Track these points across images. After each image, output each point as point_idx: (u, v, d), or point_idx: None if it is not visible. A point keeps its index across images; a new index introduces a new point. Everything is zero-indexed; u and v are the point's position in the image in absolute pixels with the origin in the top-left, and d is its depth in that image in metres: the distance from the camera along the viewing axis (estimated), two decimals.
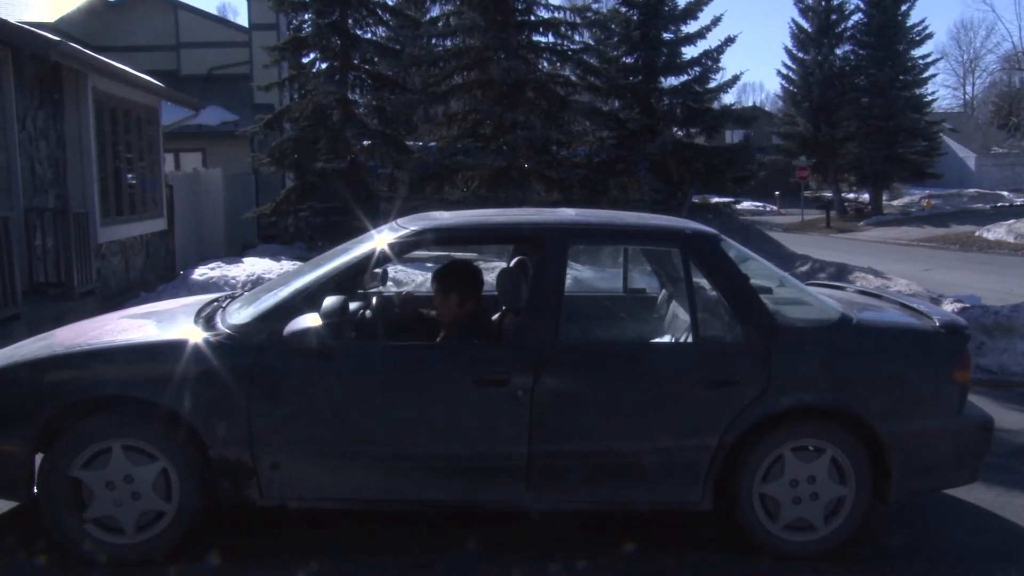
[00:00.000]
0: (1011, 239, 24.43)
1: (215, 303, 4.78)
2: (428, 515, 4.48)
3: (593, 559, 4.14)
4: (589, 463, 4.12)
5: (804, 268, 15.24)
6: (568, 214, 4.83)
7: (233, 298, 4.82)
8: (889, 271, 14.71)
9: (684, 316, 4.54)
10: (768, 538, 4.21)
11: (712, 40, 59.00)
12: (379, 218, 13.27)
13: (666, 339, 4.79)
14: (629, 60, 19.28)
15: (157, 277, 13.29)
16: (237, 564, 4.07)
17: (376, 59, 17.65)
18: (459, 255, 13.07)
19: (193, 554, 4.06)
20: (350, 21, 16.83)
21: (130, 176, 12.88)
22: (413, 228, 4.39)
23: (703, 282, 4.50)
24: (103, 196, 11.37)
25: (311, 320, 3.90)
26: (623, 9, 19.38)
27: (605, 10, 20.06)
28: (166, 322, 4.53)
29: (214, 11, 43.40)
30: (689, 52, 19.67)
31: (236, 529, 4.37)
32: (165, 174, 14.75)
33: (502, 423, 4.06)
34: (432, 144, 17.71)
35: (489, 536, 4.29)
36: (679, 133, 19.40)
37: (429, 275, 11.25)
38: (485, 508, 4.27)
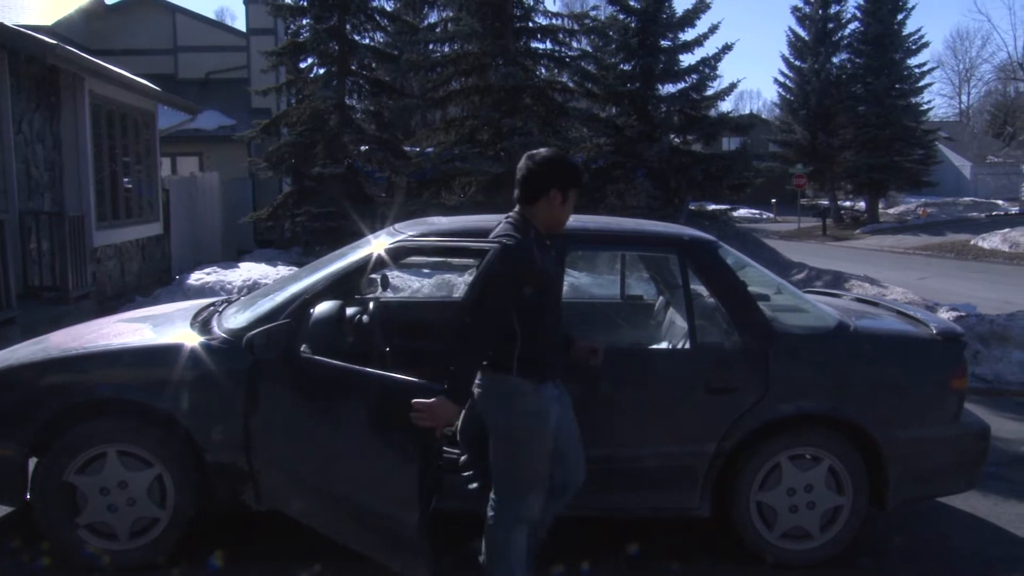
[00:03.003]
0: (1006, 248, 24.48)
1: (211, 307, 4.76)
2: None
3: (596, 564, 4.12)
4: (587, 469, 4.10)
5: (800, 276, 15.25)
6: None
7: (229, 303, 4.81)
8: (885, 279, 14.72)
9: (682, 323, 4.53)
10: (765, 546, 4.21)
11: (710, 48, 59.06)
12: (376, 223, 13.25)
13: (664, 346, 4.78)
14: (627, 67, 19.27)
15: (153, 281, 13.27)
16: (238, 567, 4.07)
17: (374, 64, 17.67)
18: (457, 260, 13.07)
19: (194, 556, 4.06)
20: (348, 26, 16.84)
21: (126, 180, 12.86)
22: (410, 233, 4.38)
23: (701, 289, 4.50)
24: (99, 200, 11.35)
25: (254, 331, 3.78)
26: (621, 16, 19.37)
27: (603, 17, 20.05)
28: (162, 326, 4.51)
29: (212, 15, 43.41)
30: (687, 59, 19.68)
31: (237, 531, 4.36)
32: (162, 178, 14.73)
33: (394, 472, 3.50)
34: (430, 149, 17.71)
35: None
36: (676, 140, 19.38)
37: (426, 281, 11.29)
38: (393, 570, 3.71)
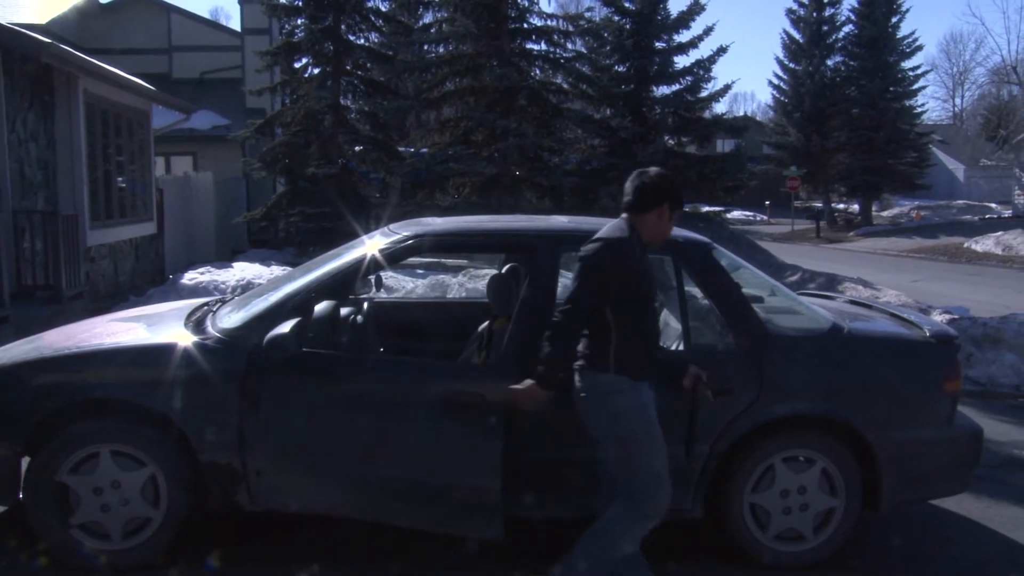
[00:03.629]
0: (999, 251, 24.55)
1: (205, 307, 4.75)
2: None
3: None
4: (582, 469, 4.09)
5: (794, 278, 15.27)
6: (561, 221, 4.82)
7: (224, 302, 4.80)
8: (878, 282, 14.75)
9: (675, 324, 4.53)
10: (758, 547, 4.21)
11: (704, 50, 59.25)
12: (370, 224, 13.28)
13: None
14: (621, 69, 19.30)
15: (146, 281, 13.24)
16: (235, 567, 4.07)
17: (369, 65, 17.65)
18: (451, 261, 13.09)
19: (192, 556, 4.05)
20: (343, 27, 16.82)
21: (120, 179, 12.83)
22: (406, 234, 4.38)
23: (695, 290, 4.50)
24: (93, 199, 11.33)
25: (285, 328, 3.82)
26: (616, 18, 19.40)
27: (598, 18, 20.08)
28: (156, 326, 4.51)
29: (206, 15, 43.34)
30: (681, 61, 19.86)
31: (235, 532, 4.35)
32: (155, 178, 14.70)
33: (473, 451, 3.83)
34: (424, 150, 17.71)
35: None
36: (671, 142, 19.40)
37: (420, 282, 11.29)
38: (462, 536, 4.04)
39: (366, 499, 3.97)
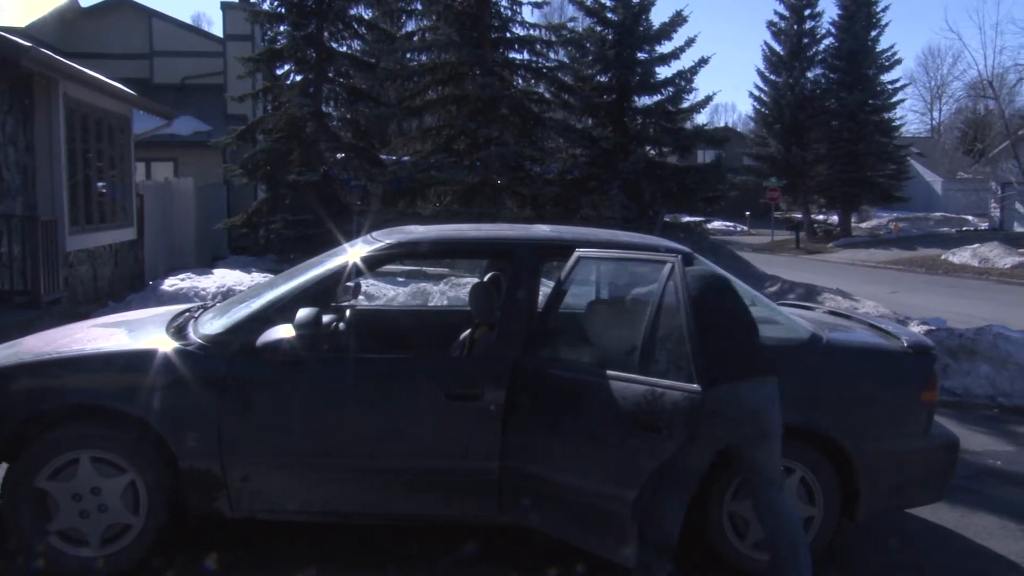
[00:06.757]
0: (975, 263, 24.79)
1: (187, 313, 4.76)
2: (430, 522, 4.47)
3: (591, 567, 4.12)
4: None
5: (773, 288, 15.35)
6: (542, 230, 4.84)
7: (205, 309, 4.80)
8: (857, 293, 14.85)
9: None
10: (737, 556, 4.23)
11: (686, 61, 59.32)
12: (351, 231, 13.26)
13: None
14: (603, 79, 19.40)
15: (126, 287, 13.16)
16: (230, 571, 4.06)
17: (351, 72, 17.67)
18: (432, 269, 13.10)
19: (190, 558, 4.06)
20: (326, 34, 16.84)
21: (100, 184, 12.76)
22: (388, 241, 4.40)
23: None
24: (72, 204, 11.25)
25: (284, 331, 3.88)
26: (598, 28, 19.52)
27: (581, 29, 20.19)
28: (137, 331, 4.49)
29: (189, 20, 43.14)
30: (663, 72, 19.88)
31: (228, 537, 4.34)
32: (136, 183, 14.62)
33: (474, 437, 4.02)
34: (406, 158, 17.74)
35: (489, 541, 4.27)
36: (652, 152, 19.53)
37: (401, 290, 11.28)
38: (456, 523, 4.21)
39: (370, 491, 4.05)
